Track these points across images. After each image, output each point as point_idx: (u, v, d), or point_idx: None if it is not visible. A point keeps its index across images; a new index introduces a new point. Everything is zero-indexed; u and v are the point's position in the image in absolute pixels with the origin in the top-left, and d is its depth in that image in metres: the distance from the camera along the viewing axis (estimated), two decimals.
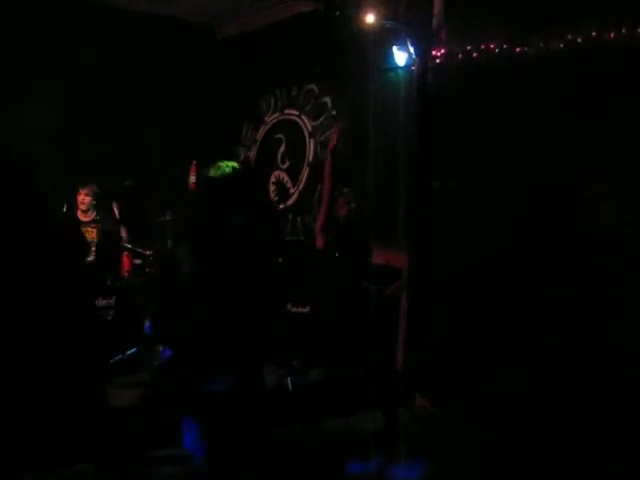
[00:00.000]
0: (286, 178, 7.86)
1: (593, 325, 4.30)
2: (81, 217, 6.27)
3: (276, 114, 8.08)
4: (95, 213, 6.30)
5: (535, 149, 4.71)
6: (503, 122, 4.93)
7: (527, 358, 4.57)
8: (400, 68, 5.97)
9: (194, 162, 7.92)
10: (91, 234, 6.22)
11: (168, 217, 6.29)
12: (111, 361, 5.40)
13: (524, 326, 4.66)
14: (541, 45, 4.61)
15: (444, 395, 5.14)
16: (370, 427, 4.64)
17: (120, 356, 5.53)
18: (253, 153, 8.43)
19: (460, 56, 5.17)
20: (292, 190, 7.75)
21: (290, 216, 7.66)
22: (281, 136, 7.98)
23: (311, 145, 7.51)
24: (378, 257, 5.29)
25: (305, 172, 7.59)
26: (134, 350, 5.63)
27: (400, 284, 5.39)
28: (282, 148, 7.95)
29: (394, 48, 5.91)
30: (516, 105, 4.84)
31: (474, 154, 5.15)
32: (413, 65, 5.64)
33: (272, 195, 8.01)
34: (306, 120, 7.58)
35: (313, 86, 7.50)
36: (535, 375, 4.49)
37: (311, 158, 7.51)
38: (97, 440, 3.79)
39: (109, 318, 5.80)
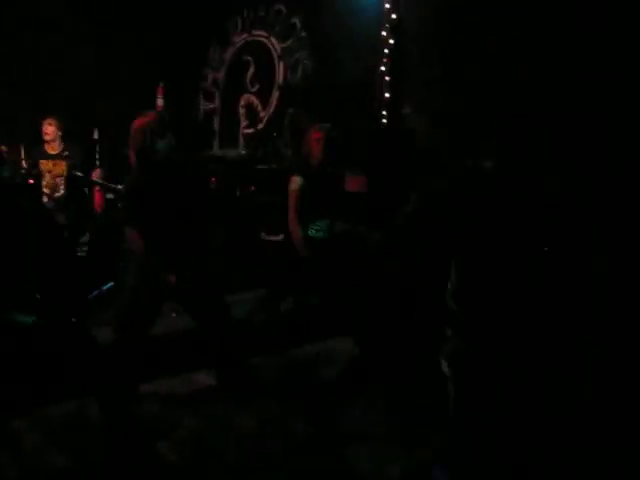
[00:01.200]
0: (256, 102, 7.72)
1: None
2: (48, 150, 6.16)
3: (244, 35, 7.85)
4: (63, 146, 6.19)
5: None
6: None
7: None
8: None
9: (161, 85, 7.75)
10: (60, 167, 6.14)
11: None
12: (88, 297, 5.43)
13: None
14: None
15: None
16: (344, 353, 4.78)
17: (97, 292, 5.55)
18: (221, 75, 8.25)
19: None
20: (262, 114, 7.63)
21: (262, 141, 7.58)
22: (249, 58, 7.78)
23: (280, 68, 7.35)
24: (351, 185, 5.32)
25: (275, 95, 7.46)
26: (111, 285, 5.64)
27: None
28: (251, 70, 7.78)
29: None
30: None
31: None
32: None
33: (242, 119, 7.89)
34: (275, 42, 7.39)
35: (281, 6, 7.27)
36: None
37: (281, 81, 7.36)
38: (85, 376, 3.88)
39: (83, 254, 5.81)
